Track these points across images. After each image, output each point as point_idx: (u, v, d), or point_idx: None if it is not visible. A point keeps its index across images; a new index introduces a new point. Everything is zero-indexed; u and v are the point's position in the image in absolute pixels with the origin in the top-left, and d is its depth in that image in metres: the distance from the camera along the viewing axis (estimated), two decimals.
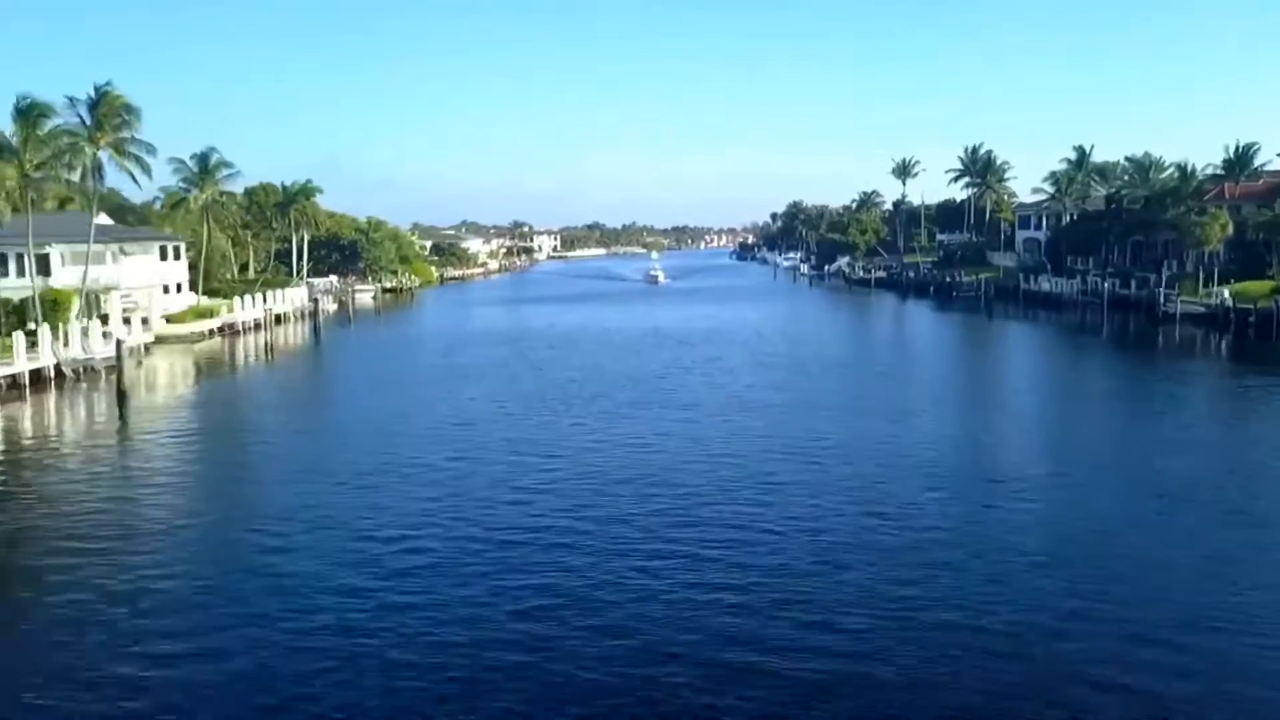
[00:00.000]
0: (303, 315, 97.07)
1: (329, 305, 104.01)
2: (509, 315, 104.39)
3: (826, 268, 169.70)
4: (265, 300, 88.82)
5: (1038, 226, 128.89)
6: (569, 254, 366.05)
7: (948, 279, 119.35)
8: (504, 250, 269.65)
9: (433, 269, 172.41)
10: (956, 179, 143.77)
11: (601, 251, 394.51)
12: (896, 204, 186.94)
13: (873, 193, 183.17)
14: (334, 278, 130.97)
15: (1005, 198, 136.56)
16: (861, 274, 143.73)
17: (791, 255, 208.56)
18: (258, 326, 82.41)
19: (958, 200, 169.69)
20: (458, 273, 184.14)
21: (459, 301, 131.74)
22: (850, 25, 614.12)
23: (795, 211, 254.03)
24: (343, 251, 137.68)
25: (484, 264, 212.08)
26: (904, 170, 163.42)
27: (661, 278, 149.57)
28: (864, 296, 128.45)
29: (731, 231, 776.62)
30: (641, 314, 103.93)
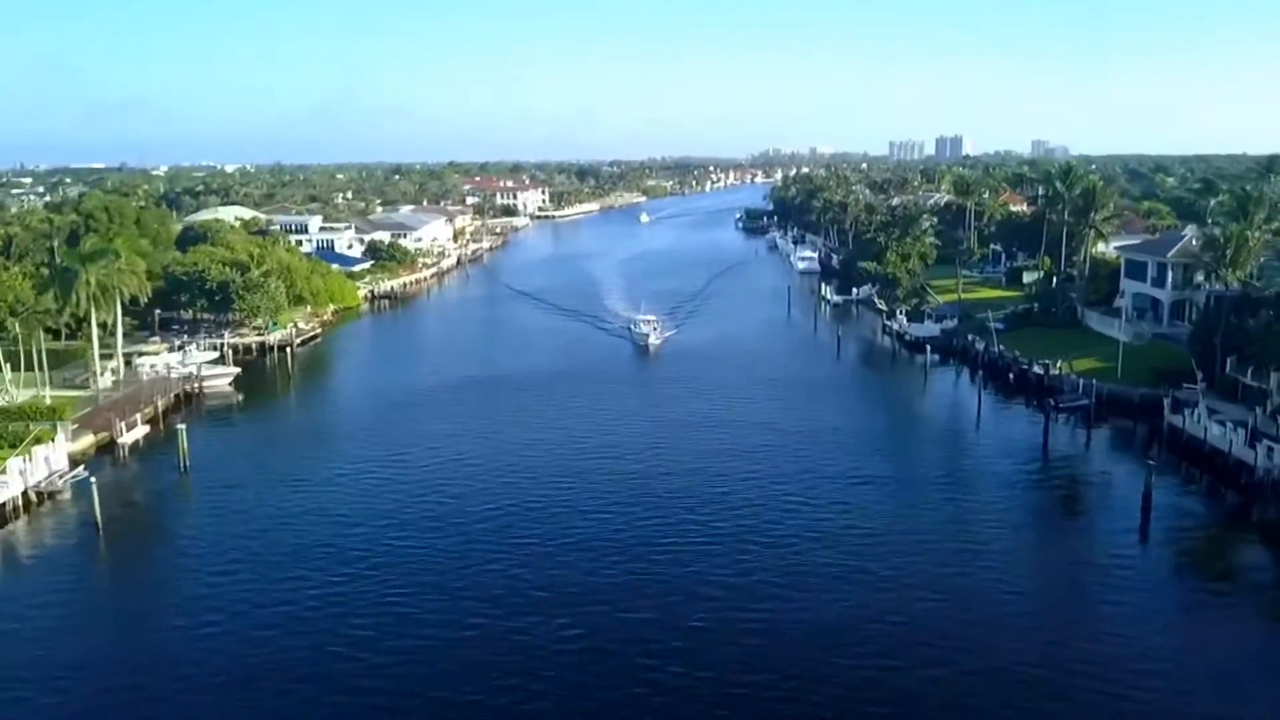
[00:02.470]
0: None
1: (127, 433, 68.94)
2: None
3: (855, 292, 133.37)
4: None
5: (1159, 281, 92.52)
6: (557, 213, 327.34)
7: (1040, 370, 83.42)
8: (469, 228, 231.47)
9: (358, 290, 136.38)
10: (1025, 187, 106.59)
11: (594, 208, 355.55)
12: (950, 206, 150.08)
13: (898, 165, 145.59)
14: (188, 343, 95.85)
15: (1097, 225, 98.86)
16: (903, 323, 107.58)
17: (809, 253, 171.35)
18: None
19: (1024, 213, 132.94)
20: (394, 283, 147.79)
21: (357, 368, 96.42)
22: None
23: (811, 188, 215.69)
24: (210, 297, 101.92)
25: (436, 259, 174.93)
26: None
27: (653, 337, 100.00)
28: (911, 372, 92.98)
29: (738, 167, 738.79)
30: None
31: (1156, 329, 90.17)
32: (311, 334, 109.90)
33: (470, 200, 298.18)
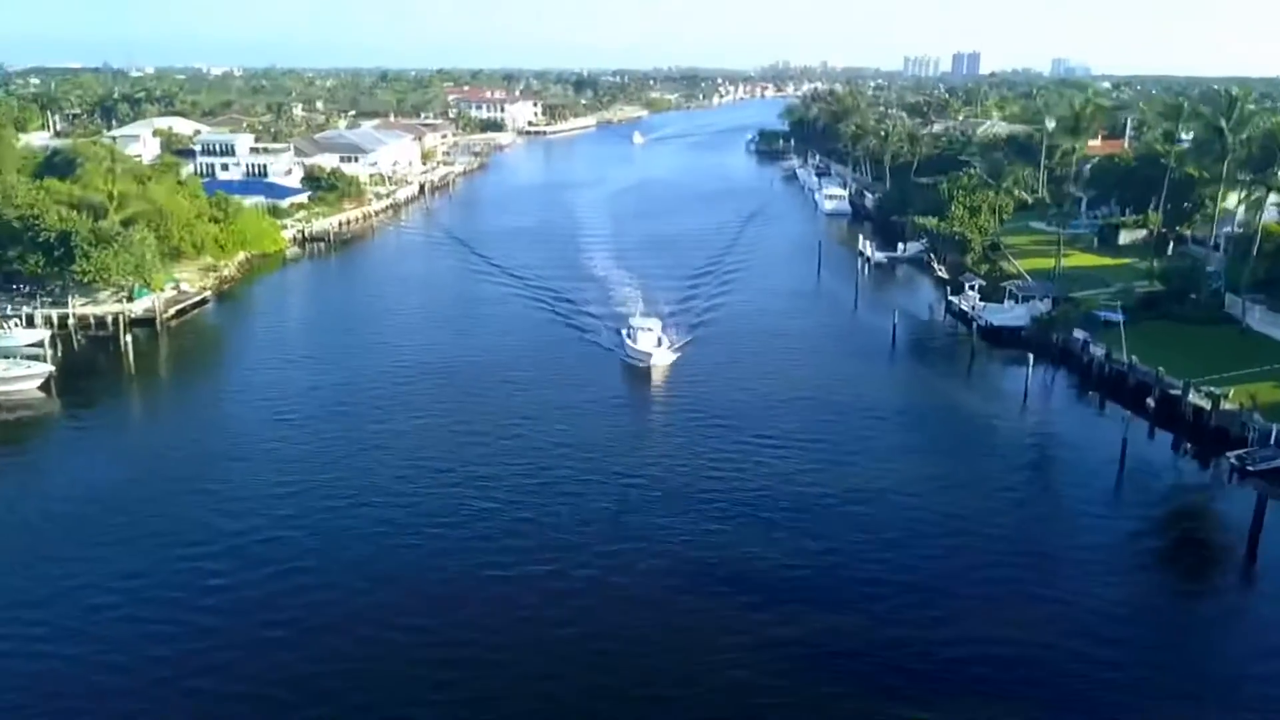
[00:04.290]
0: None
1: None
2: None
3: (902, 248, 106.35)
4: None
5: None
6: (549, 129, 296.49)
7: (1203, 401, 57.23)
8: (441, 148, 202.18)
9: (282, 231, 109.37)
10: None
11: (590, 123, 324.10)
12: (1017, 139, 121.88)
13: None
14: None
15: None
16: (974, 301, 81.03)
17: (837, 191, 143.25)
18: None
19: (1126, 154, 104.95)
20: (331, 222, 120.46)
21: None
22: None
23: (838, 109, 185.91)
24: (48, 251, 75.39)
25: (391, 189, 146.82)
26: None
27: (656, 356, 67.60)
28: (996, 383, 67.02)
29: (747, 80, 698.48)
30: None
31: None
32: (196, 299, 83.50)
33: (452, 114, 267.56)
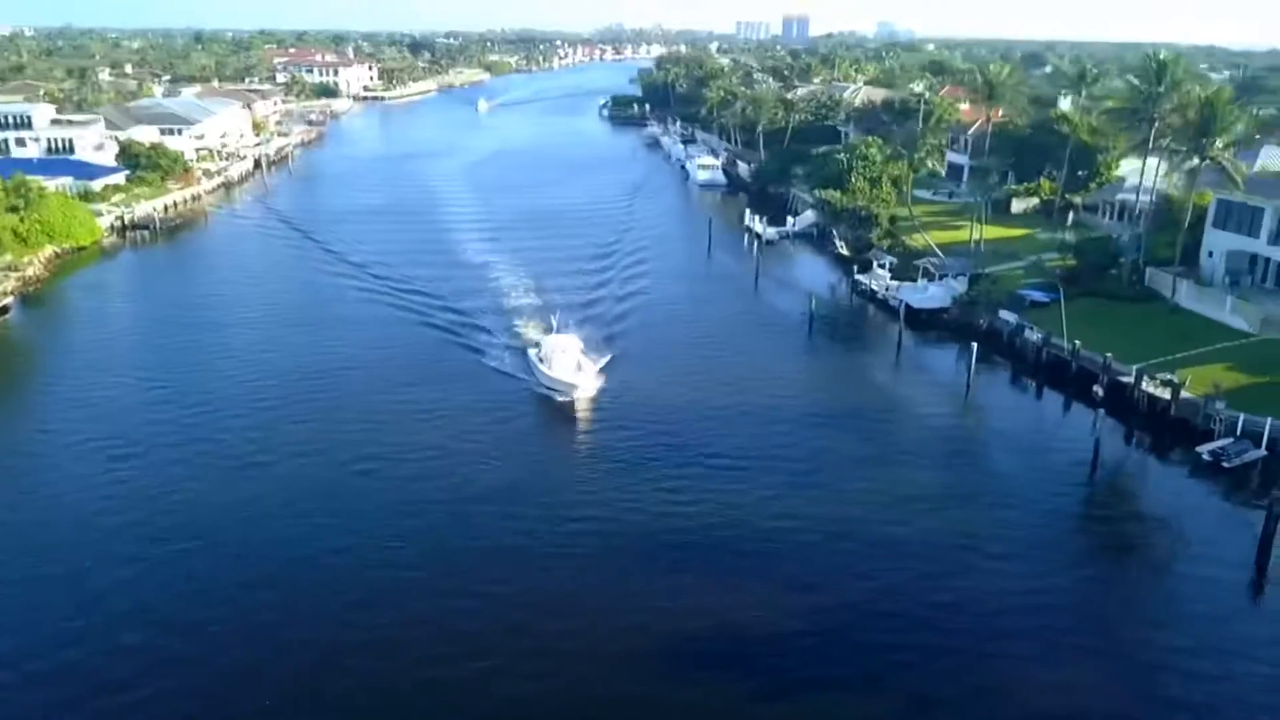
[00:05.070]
0: None
1: None
2: None
3: (791, 221, 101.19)
4: None
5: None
6: (388, 94, 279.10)
7: (1161, 391, 53.80)
8: (274, 115, 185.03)
9: (97, 218, 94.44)
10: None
11: (432, 88, 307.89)
12: (893, 104, 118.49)
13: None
14: None
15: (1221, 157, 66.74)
16: (884, 281, 76.54)
17: (709, 161, 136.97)
18: None
19: (1017, 124, 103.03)
20: (156, 205, 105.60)
21: None
22: None
23: (701, 75, 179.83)
24: None
25: (222, 165, 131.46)
26: None
27: (582, 385, 54.03)
28: (927, 372, 62.30)
29: (586, 43, 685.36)
30: None
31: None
32: None
33: (281, 79, 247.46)
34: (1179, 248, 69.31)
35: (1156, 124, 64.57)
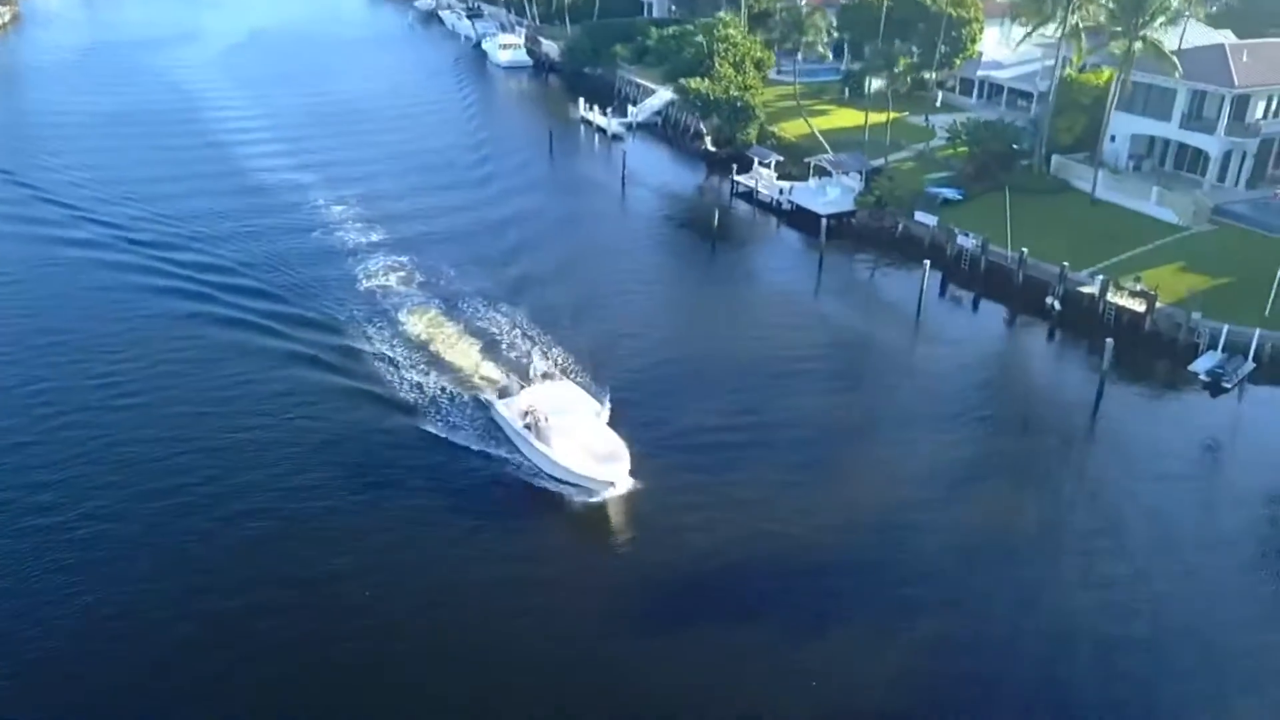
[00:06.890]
0: None
1: None
2: None
3: (632, 111, 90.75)
4: None
5: (1192, 120, 61.84)
6: None
7: (1128, 301, 49.85)
8: None
9: None
10: None
11: None
12: None
13: None
14: None
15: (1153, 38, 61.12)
16: (770, 182, 69.03)
17: (510, 40, 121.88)
18: None
19: None
20: None
21: None
22: None
23: None
24: None
25: None
26: None
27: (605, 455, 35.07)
28: (881, 296, 55.96)
29: None
30: None
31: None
32: None
33: None
34: (1078, 134, 66.06)
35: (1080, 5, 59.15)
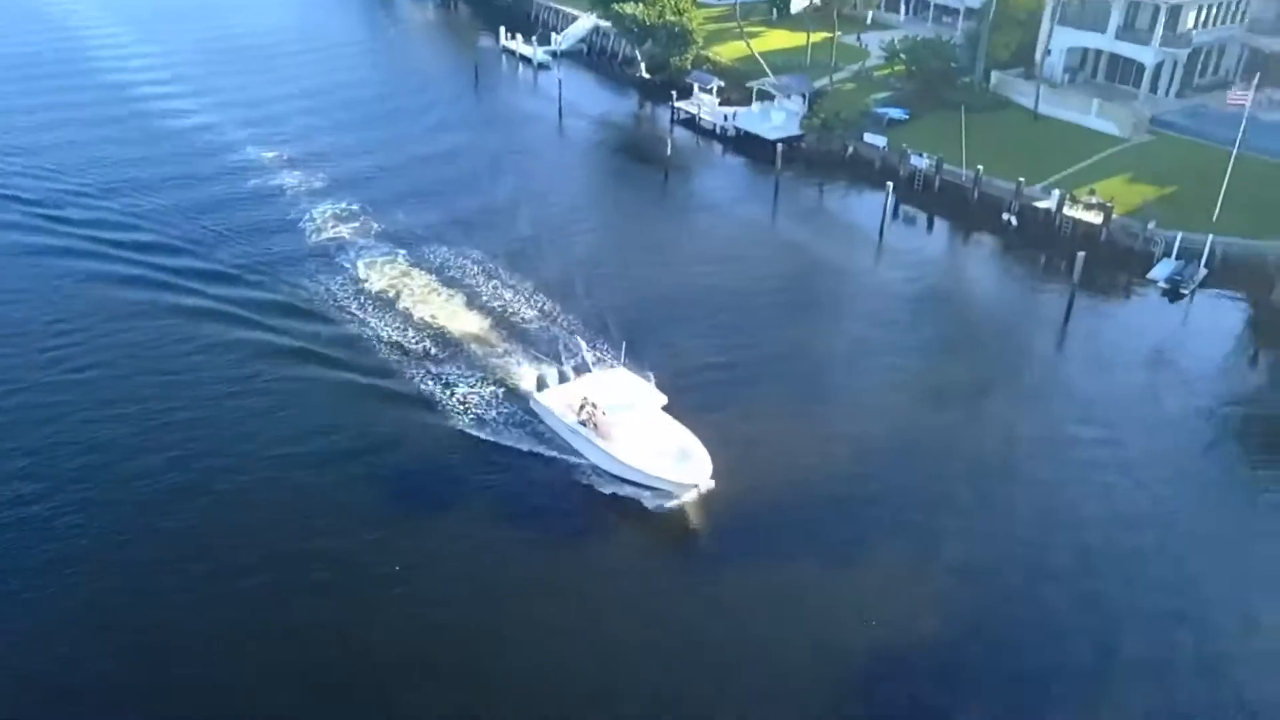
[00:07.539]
0: None
1: None
2: None
3: (556, 39, 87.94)
4: None
5: (1128, 30, 62.95)
6: None
7: (1089, 215, 51.11)
8: None
9: None
10: None
11: None
12: None
13: None
14: None
15: None
16: (712, 108, 68.13)
17: None
18: None
19: None
20: None
21: None
22: None
23: None
24: None
25: None
26: None
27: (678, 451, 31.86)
28: (842, 218, 55.95)
29: None
30: None
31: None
32: None
33: None
34: (1014, 49, 66.71)
35: None
